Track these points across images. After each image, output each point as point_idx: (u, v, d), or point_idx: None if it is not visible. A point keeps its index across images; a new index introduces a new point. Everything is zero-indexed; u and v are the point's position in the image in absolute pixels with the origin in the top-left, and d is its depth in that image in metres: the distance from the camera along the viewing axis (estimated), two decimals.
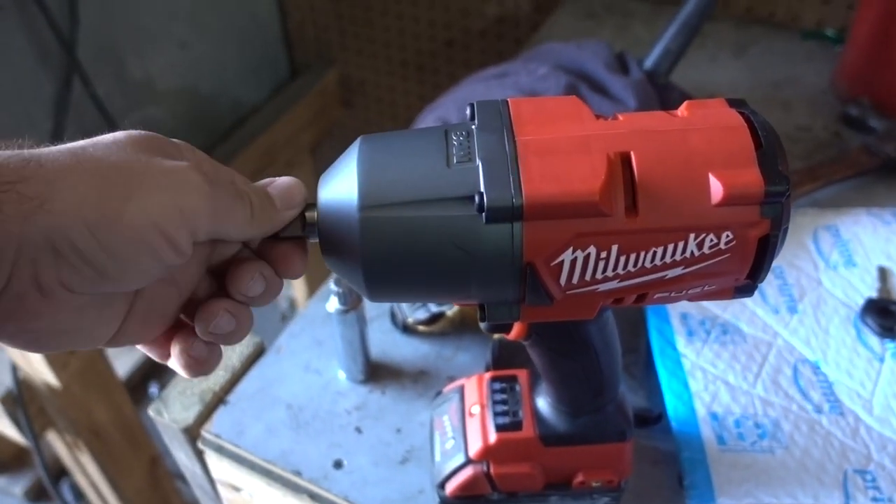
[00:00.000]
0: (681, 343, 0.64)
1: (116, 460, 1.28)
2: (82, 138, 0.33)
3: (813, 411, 0.60)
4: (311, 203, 0.38)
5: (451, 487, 0.52)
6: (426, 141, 0.38)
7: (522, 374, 0.53)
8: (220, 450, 0.62)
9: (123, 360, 1.57)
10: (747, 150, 0.36)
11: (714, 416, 0.59)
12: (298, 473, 0.60)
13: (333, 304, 0.60)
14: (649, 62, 0.79)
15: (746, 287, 0.39)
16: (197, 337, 0.37)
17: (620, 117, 0.38)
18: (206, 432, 0.63)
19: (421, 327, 0.67)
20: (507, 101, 0.39)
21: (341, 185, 0.37)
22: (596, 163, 0.36)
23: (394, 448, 0.61)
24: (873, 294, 0.68)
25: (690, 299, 0.40)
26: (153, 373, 1.70)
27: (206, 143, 1.28)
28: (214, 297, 0.37)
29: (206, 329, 0.36)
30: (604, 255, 0.36)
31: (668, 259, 0.37)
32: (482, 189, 0.35)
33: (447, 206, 0.36)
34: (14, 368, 1.09)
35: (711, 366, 0.63)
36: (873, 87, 0.86)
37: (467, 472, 0.51)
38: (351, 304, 0.59)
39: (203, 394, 0.64)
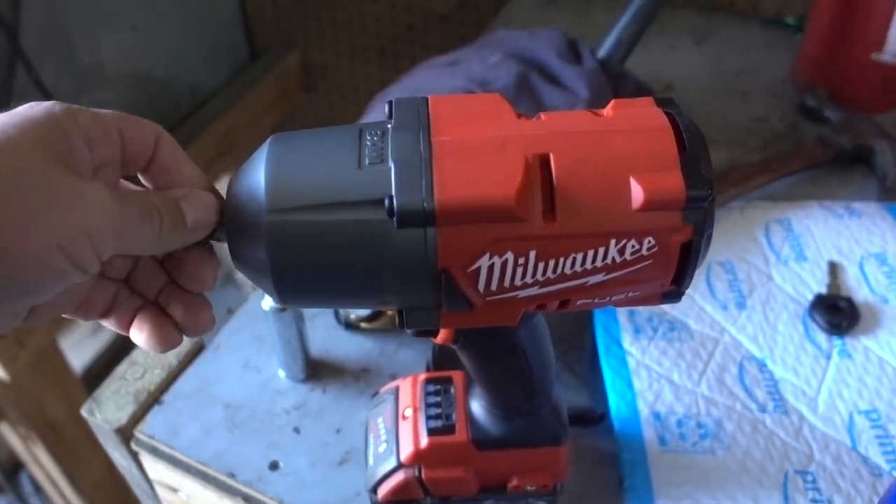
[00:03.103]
0: (626, 340, 0.63)
1: (72, 454, 1.26)
2: None
3: (757, 410, 0.59)
4: (220, 203, 0.37)
5: (382, 492, 0.50)
6: (339, 140, 0.36)
7: (458, 376, 0.52)
8: (154, 451, 0.60)
9: (81, 352, 1.55)
10: (670, 153, 0.35)
11: (657, 417, 0.58)
12: (233, 475, 0.58)
13: (268, 301, 0.58)
14: (602, 51, 0.78)
15: (672, 293, 0.38)
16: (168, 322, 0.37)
17: (543, 117, 0.37)
18: (140, 433, 0.61)
19: (363, 324, 0.65)
20: (426, 99, 0.37)
21: (249, 187, 0.35)
22: (513, 165, 0.34)
23: (333, 448, 0.59)
24: (823, 290, 0.67)
25: (616, 305, 0.39)
26: (114, 365, 1.67)
27: (163, 126, 1.25)
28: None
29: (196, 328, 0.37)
30: (522, 261, 0.35)
31: (588, 265, 0.35)
32: (393, 192, 0.33)
33: (358, 210, 0.34)
34: None
35: (657, 364, 0.62)
36: (830, 76, 0.85)
37: (399, 477, 0.50)
38: None
39: (138, 393, 0.63)
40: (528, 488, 0.50)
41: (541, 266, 0.35)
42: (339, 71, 1.40)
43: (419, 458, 0.49)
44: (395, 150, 0.35)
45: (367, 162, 0.35)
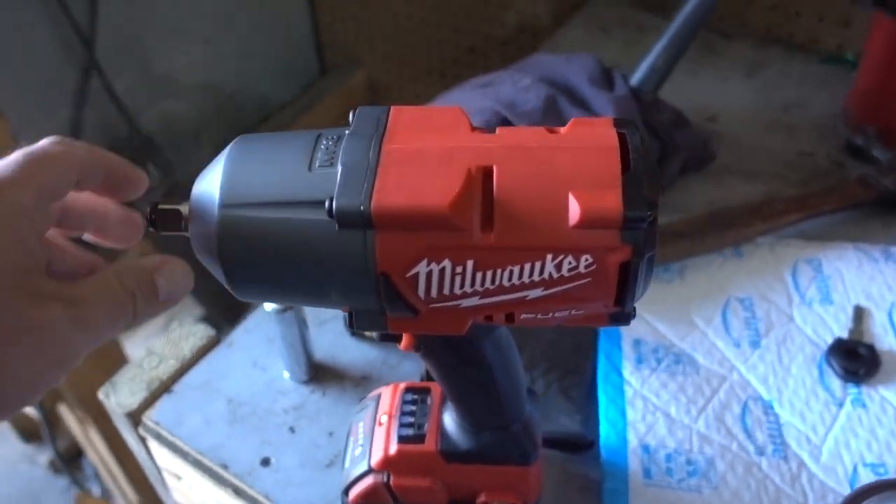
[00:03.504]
0: (627, 369, 0.62)
1: (124, 440, 1.32)
2: (101, 131, 0.33)
3: (754, 453, 0.57)
4: (186, 199, 0.39)
5: (353, 495, 0.51)
6: (296, 144, 0.38)
7: (437, 388, 0.52)
8: (158, 437, 0.63)
9: (140, 343, 1.61)
10: (613, 171, 0.35)
11: (646, 449, 0.57)
12: (225, 467, 0.60)
13: (270, 303, 0.60)
14: (635, 78, 0.77)
15: (619, 315, 0.38)
16: None
17: (499, 131, 0.37)
18: (147, 419, 0.64)
19: (368, 332, 0.66)
20: (389, 108, 0.38)
21: (209, 183, 0.37)
22: (454, 176, 0.35)
23: (323, 451, 0.61)
24: (844, 334, 0.64)
25: (562, 324, 0.38)
26: None
27: (230, 136, 1.31)
28: None
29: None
30: (459, 269, 0.35)
31: (525, 279, 0.35)
32: (334, 194, 0.35)
33: (304, 210, 0.36)
34: None
35: (655, 396, 0.61)
36: (881, 115, 0.82)
37: (368, 481, 0.50)
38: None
39: (151, 381, 0.66)
40: None
41: (479, 276, 0.36)
42: (403, 91, 1.43)
43: (388, 464, 0.50)
44: (345, 155, 0.36)
45: (317, 165, 0.36)
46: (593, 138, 0.36)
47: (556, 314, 0.37)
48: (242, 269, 0.37)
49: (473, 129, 0.37)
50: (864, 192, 0.76)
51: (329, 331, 0.69)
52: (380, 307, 0.37)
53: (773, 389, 0.61)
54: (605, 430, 0.58)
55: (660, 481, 0.55)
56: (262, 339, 0.69)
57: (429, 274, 0.36)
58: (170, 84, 1.18)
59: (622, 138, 0.36)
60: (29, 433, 1.70)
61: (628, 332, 0.65)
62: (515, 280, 0.36)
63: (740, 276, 0.70)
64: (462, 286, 0.36)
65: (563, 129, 0.37)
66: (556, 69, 0.79)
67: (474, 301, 0.37)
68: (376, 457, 0.50)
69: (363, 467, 0.51)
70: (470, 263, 0.35)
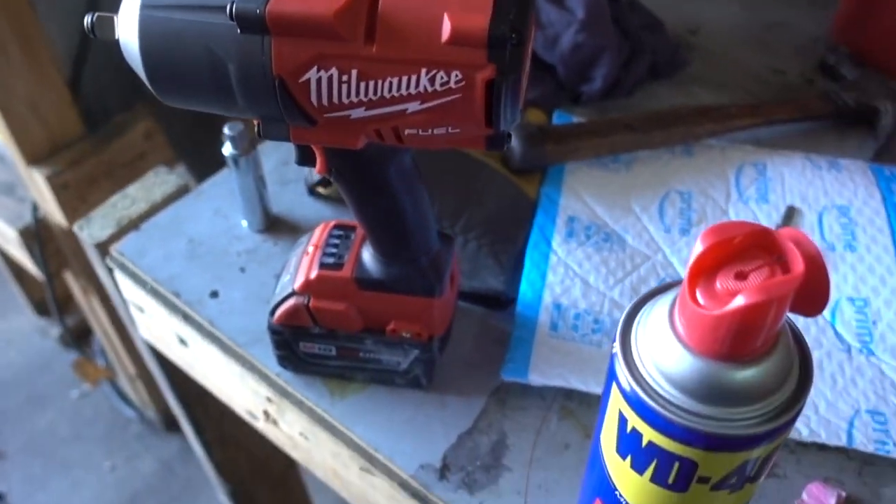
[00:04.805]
0: (556, 241, 0.66)
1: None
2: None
3: None
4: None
5: (277, 314, 0.56)
6: None
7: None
8: (122, 267, 0.69)
9: None
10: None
11: (557, 307, 0.61)
12: (178, 295, 0.66)
13: (228, 148, 0.64)
14: None
15: (495, 139, 0.42)
16: None
17: None
18: (114, 251, 0.70)
19: (320, 189, 0.71)
20: None
21: None
22: None
23: (267, 288, 0.66)
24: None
25: (442, 144, 0.42)
26: None
27: None
28: None
29: None
30: (345, 78, 0.39)
31: (403, 91, 0.39)
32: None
33: (212, 14, 0.40)
34: (34, 207, 1.20)
35: (577, 265, 0.65)
36: (855, 35, 0.83)
37: (290, 302, 0.55)
38: (243, 149, 0.64)
39: (121, 219, 0.71)
40: (404, 335, 0.55)
41: (362, 86, 0.40)
42: None
43: (308, 287, 0.55)
44: None
45: None
46: None
47: (436, 131, 0.41)
48: (161, 70, 0.41)
49: None
50: (820, 106, 0.77)
51: (290, 190, 0.74)
52: (281, 115, 0.42)
53: None
54: (524, 288, 0.63)
55: (564, 334, 0.60)
56: (227, 192, 0.74)
57: (318, 80, 0.40)
58: None
59: None
60: (43, 307, 1.80)
61: (564, 210, 0.69)
62: (395, 92, 0.40)
63: (685, 172, 0.73)
64: (349, 95, 0.40)
65: None
66: None
67: (361, 112, 0.41)
68: (299, 281, 0.55)
69: (288, 290, 0.56)
70: (354, 73, 0.39)
